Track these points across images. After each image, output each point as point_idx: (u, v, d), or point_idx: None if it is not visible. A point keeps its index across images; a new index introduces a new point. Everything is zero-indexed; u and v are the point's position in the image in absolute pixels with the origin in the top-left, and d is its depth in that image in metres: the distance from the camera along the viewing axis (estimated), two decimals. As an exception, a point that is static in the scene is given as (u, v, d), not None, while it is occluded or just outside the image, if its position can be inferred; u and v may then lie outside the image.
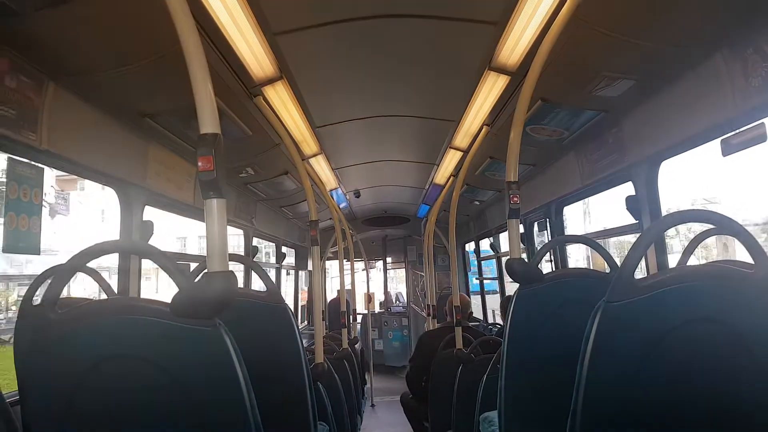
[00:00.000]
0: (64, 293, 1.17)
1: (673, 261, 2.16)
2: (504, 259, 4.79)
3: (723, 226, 1.12)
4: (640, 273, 1.09)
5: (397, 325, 8.19)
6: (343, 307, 4.08)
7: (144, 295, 2.51)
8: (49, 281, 1.13)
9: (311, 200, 2.55)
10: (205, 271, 0.99)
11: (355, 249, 5.95)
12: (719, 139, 1.76)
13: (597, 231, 3.23)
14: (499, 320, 5.53)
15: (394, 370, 7.90)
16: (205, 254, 0.99)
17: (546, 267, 3.85)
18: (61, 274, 1.10)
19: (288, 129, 2.70)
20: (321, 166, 3.72)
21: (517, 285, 1.65)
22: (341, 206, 5.44)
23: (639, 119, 2.21)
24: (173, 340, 0.98)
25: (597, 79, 1.95)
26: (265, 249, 5.36)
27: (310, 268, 6.54)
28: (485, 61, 2.10)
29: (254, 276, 3.75)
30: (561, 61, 1.78)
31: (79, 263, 1.10)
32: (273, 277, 4.99)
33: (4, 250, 1.63)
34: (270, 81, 2.16)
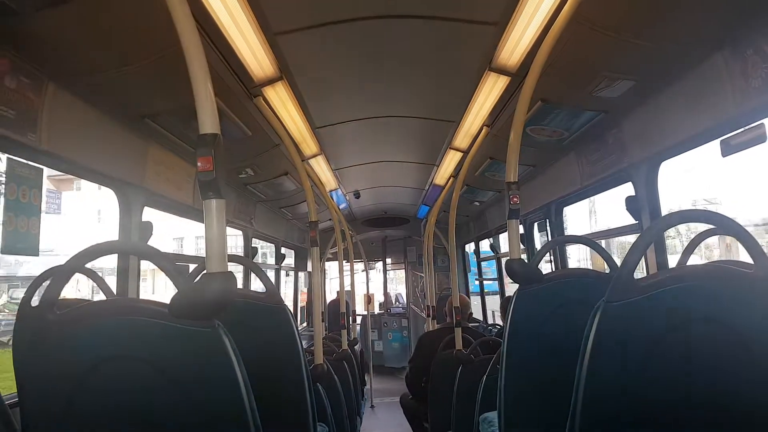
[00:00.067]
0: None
1: (673, 261, 2.16)
2: (504, 260, 4.79)
3: (722, 226, 1.12)
4: (640, 273, 1.09)
5: (397, 326, 8.18)
6: (343, 308, 4.07)
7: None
8: (48, 282, 1.12)
9: (311, 201, 2.55)
10: (204, 272, 0.98)
11: (355, 250, 5.95)
12: (719, 140, 1.76)
13: (596, 231, 3.23)
14: (498, 321, 5.53)
15: (393, 371, 7.89)
16: (204, 255, 0.99)
17: (546, 268, 3.85)
18: (60, 275, 1.09)
19: (288, 129, 2.70)
20: (321, 167, 3.72)
21: (517, 285, 1.65)
22: (341, 207, 5.44)
23: (639, 120, 2.21)
24: (172, 341, 0.97)
25: (597, 79, 1.95)
26: (264, 249, 5.36)
27: (309, 269, 6.53)
28: (485, 61, 2.10)
29: (254, 277, 3.74)
30: (561, 61, 1.78)
31: (77, 264, 1.09)
32: (272, 278, 4.99)
33: (3, 251, 1.62)
34: (270, 81, 2.16)
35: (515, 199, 1.62)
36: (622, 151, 2.40)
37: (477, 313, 5.58)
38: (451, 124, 2.98)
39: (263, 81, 2.14)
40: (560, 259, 3.56)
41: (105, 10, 1.43)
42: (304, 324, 6.85)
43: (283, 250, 5.29)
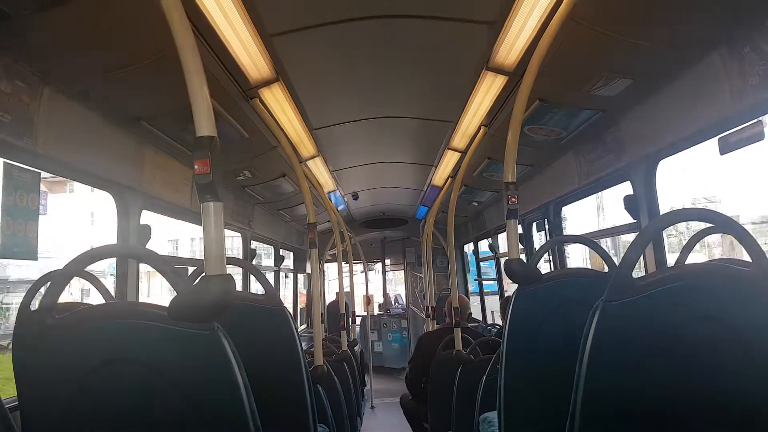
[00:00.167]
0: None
1: (672, 261, 2.16)
2: (503, 260, 4.79)
3: (720, 224, 1.12)
4: (639, 272, 1.09)
5: (397, 326, 8.17)
6: (342, 309, 4.07)
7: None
8: (47, 286, 1.12)
9: (309, 203, 2.54)
10: (203, 274, 0.98)
11: (354, 251, 5.95)
12: (717, 138, 1.76)
13: (594, 231, 3.23)
14: (498, 321, 5.53)
15: (393, 371, 7.88)
16: (201, 257, 0.99)
17: (545, 267, 3.85)
18: (59, 279, 1.09)
19: (285, 131, 2.69)
20: (319, 169, 3.72)
21: (516, 285, 1.65)
22: (339, 208, 5.43)
23: (636, 118, 2.21)
24: (172, 343, 0.97)
25: (594, 78, 1.95)
26: (262, 251, 5.34)
27: (308, 270, 6.53)
28: (482, 61, 2.10)
29: (253, 279, 3.73)
30: (558, 60, 1.78)
31: (76, 268, 1.09)
32: (271, 281, 4.98)
33: (1, 256, 1.62)
34: (266, 83, 2.15)
35: (513, 199, 1.62)
36: (620, 150, 2.40)
37: (476, 314, 5.58)
38: (449, 124, 2.98)
39: (259, 82, 2.14)
40: (559, 258, 3.57)
41: (100, 13, 1.42)
42: (304, 326, 6.85)
43: (282, 252, 5.29)
